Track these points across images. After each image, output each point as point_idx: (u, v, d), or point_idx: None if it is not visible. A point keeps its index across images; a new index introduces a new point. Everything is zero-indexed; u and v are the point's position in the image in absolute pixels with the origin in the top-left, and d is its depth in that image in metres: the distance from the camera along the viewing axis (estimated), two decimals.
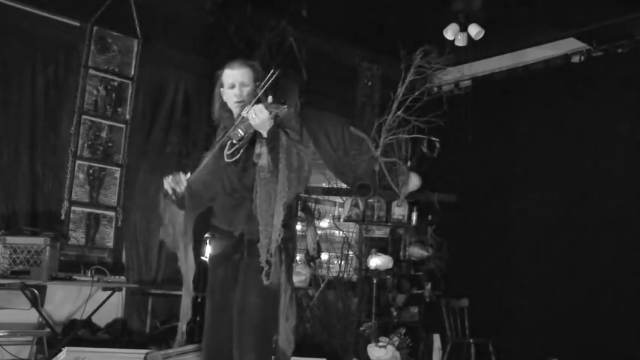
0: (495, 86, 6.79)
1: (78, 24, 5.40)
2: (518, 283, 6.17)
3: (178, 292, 5.23)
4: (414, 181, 6.32)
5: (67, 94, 5.34)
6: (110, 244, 5.43)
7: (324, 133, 6.85)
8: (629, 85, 5.73)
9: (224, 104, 2.86)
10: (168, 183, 2.72)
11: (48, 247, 4.67)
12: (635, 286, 5.35)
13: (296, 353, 2.87)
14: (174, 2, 5.87)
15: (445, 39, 6.01)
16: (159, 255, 5.56)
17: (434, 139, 5.99)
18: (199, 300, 4.56)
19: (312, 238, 5.98)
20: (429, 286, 6.32)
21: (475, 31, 5.98)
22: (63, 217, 5.20)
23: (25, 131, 5.11)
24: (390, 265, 6.07)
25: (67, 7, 5.30)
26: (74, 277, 4.88)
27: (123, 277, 5.21)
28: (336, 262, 6.42)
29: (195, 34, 5.93)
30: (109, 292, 4.85)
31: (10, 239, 4.65)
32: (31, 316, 4.73)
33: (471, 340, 6.06)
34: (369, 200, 6.29)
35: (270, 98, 2.65)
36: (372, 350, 5.52)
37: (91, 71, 5.41)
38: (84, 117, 5.36)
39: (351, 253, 6.33)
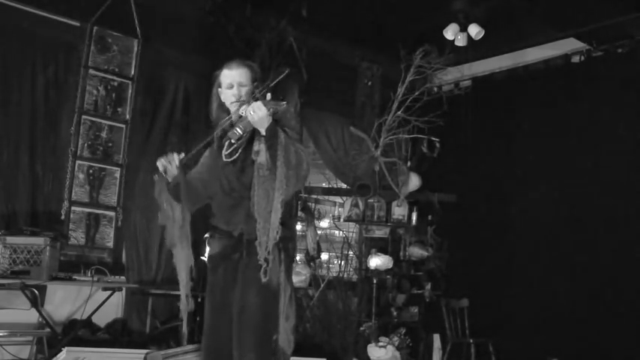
0: (495, 86, 6.78)
1: (78, 24, 5.40)
2: (518, 283, 6.17)
3: (178, 292, 5.24)
4: (414, 181, 6.32)
5: (67, 94, 5.34)
6: (110, 244, 5.43)
7: (324, 133, 6.85)
8: (629, 85, 5.72)
9: (222, 104, 2.86)
10: (161, 162, 2.73)
11: (48, 247, 4.67)
12: (636, 286, 5.35)
13: (296, 353, 2.87)
14: (174, 2, 5.87)
15: (445, 39, 6.02)
16: (159, 255, 5.56)
17: (434, 139, 5.99)
18: (199, 300, 4.57)
19: (312, 238, 5.99)
20: (429, 286, 6.31)
21: (475, 31, 5.98)
22: (63, 217, 5.20)
23: (25, 131, 5.11)
24: (390, 265, 6.07)
25: (67, 7, 5.31)
26: (74, 277, 4.89)
27: (123, 277, 5.21)
28: (336, 262, 6.42)
29: (195, 34, 5.93)
30: (109, 292, 4.85)
31: (10, 239, 4.65)
32: (31, 316, 4.73)
33: (471, 340, 6.06)
34: (369, 200, 6.29)
35: (268, 96, 2.66)
36: (372, 350, 5.52)
37: (91, 71, 5.41)
38: (84, 117, 5.36)
39: (351, 253, 6.33)
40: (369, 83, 6.95)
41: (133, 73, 5.62)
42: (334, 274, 6.21)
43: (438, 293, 6.36)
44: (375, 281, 6.02)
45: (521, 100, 6.51)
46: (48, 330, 4.70)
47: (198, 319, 4.96)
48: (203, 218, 2.95)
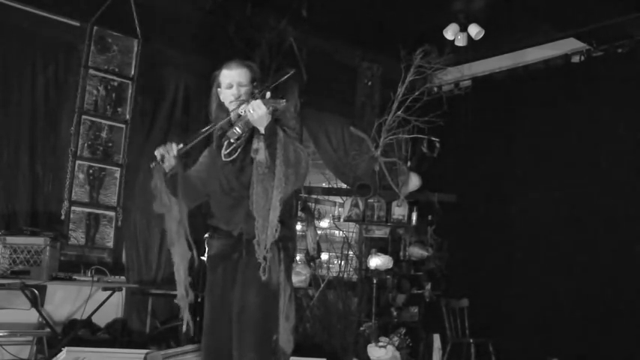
0: (495, 86, 6.79)
1: (78, 24, 5.40)
2: (518, 283, 6.17)
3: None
4: (414, 181, 6.32)
5: (67, 94, 5.34)
6: (110, 244, 5.43)
7: (324, 133, 6.85)
8: (629, 85, 5.72)
9: (221, 104, 2.86)
10: (159, 151, 2.72)
11: (48, 247, 4.67)
12: (636, 286, 5.35)
13: (296, 353, 2.88)
14: (174, 2, 5.88)
15: (445, 39, 6.02)
16: (159, 255, 5.56)
17: (434, 139, 5.99)
18: (199, 300, 4.57)
19: (312, 238, 5.99)
20: (429, 286, 6.31)
21: (475, 31, 5.98)
22: (63, 217, 5.20)
23: (25, 131, 5.11)
24: (390, 265, 6.07)
25: (67, 7, 5.31)
26: (74, 277, 4.89)
27: (123, 277, 5.21)
28: (336, 262, 6.42)
29: (195, 34, 5.93)
30: (109, 292, 4.85)
31: (10, 239, 4.65)
32: (31, 316, 4.73)
33: (471, 340, 6.06)
34: (369, 200, 6.29)
35: (268, 94, 2.66)
36: (372, 350, 5.52)
37: (91, 71, 5.41)
38: (84, 117, 5.36)
39: (351, 253, 6.33)
40: (369, 83, 6.95)
41: (133, 73, 5.62)
42: (334, 274, 6.21)
43: (438, 293, 6.36)
44: (375, 281, 6.02)
45: (521, 100, 6.51)
46: (48, 330, 4.70)
47: (198, 319, 4.96)
48: (203, 218, 2.95)
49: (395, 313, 6.08)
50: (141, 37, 5.62)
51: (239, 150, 2.73)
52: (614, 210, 5.63)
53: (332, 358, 5.13)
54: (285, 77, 2.75)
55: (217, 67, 2.90)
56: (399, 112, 6.01)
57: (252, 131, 2.69)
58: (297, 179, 2.65)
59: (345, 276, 6.25)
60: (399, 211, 6.26)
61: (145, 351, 4.23)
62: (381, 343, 5.53)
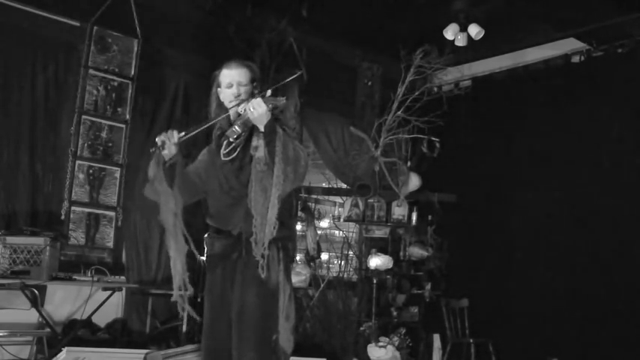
0: (495, 86, 6.78)
1: (78, 24, 5.40)
2: (518, 283, 6.17)
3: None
4: (414, 181, 6.32)
5: (67, 94, 5.35)
6: (110, 244, 5.43)
7: (324, 133, 6.86)
8: (629, 85, 5.72)
9: (221, 104, 2.86)
10: (160, 137, 2.71)
11: (48, 247, 4.67)
12: (636, 286, 5.35)
13: (296, 353, 2.87)
14: (175, 2, 5.88)
15: (445, 39, 6.01)
16: (159, 255, 5.56)
17: (434, 139, 5.99)
18: (199, 300, 4.57)
19: (312, 238, 5.99)
20: (429, 286, 6.32)
21: (475, 31, 5.98)
22: (63, 217, 5.20)
23: (25, 131, 5.11)
24: (390, 265, 6.07)
25: (67, 7, 5.31)
26: (74, 277, 4.88)
27: (123, 277, 5.21)
28: (336, 262, 6.42)
29: (195, 34, 5.94)
30: (109, 292, 4.85)
31: (10, 239, 4.65)
32: (31, 316, 4.73)
33: (471, 340, 6.06)
34: (369, 200, 6.29)
35: (268, 92, 2.66)
36: (372, 350, 5.52)
37: (91, 71, 5.41)
38: (84, 117, 5.36)
39: (351, 253, 6.33)
40: (369, 83, 6.95)
41: (133, 73, 5.62)
42: (334, 274, 6.21)
43: (438, 293, 6.36)
44: (375, 281, 6.02)
45: (521, 100, 6.51)
46: (48, 330, 4.70)
47: (198, 319, 4.96)
48: (203, 218, 2.94)
49: (395, 313, 6.08)
50: (141, 37, 5.62)
51: (238, 149, 2.73)
52: (614, 210, 5.63)
53: (332, 358, 5.13)
54: (292, 78, 2.75)
55: (217, 67, 2.90)
56: (399, 112, 6.01)
57: (251, 130, 2.69)
58: (295, 177, 2.65)
59: (345, 276, 6.25)
60: (399, 211, 6.26)
61: (145, 351, 4.23)
62: (381, 343, 5.53)
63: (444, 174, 6.47)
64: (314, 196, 6.52)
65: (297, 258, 6.03)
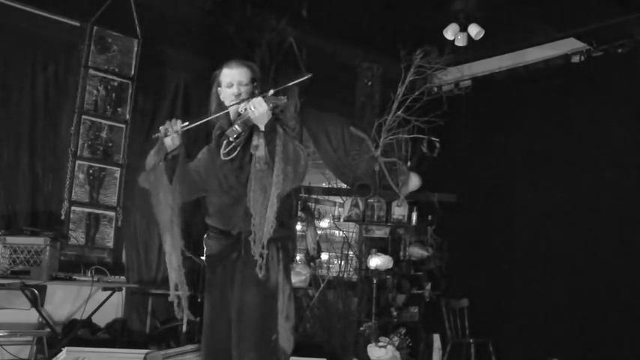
0: (495, 86, 6.78)
1: (78, 24, 5.40)
2: (519, 283, 6.17)
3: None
4: (414, 181, 6.32)
5: (67, 94, 5.35)
6: (110, 244, 5.43)
7: (324, 133, 6.85)
8: (629, 85, 5.72)
9: (221, 103, 2.86)
10: (163, 126, 2.71)
11: (48, 247, 4.67)
12: (636, 286, 5.35)
13: (296, 353, 2.87)
14: (174, 2, 5.88)
15: (445, 39, 6.01)
16: (159, 255, 5.55)
17: (434, 139, 5.99)
18: (199, 300, 4.56)
19: (312, 238, 5.99)
20: (429, 286, 6.32)
21: (475, 31, 5.98)
22: (63, 217, 5.20)
23: (25, 131, 5.11)
24: (390, 265, 6.07)
25: (67, 7, 5.31)
26: (74, 277, 4.88)
27: (123, 277, 5.21)
28: (336, 262, 6.42)
29: (195, 34, 5.94)
30: (109, 292, 4.85)
31: (10, 239, 4.65)
32: (31, 316, 4.73)
33: (471, 340, 6.06)
34: (369, 200, 6.29)
35: (271, 92, 2.66)
36: (372, 350, 5.52)
37: (91, 71, 5.41)
38: (84, 117, 5.36)
39: (351, 253, 6.33)
40: (369, 83, 6.95)
41: (133, 73, 5.62)
42: (334, 274, 6.21)
43: (438, 293, 6.36)
44: (375, 281, 6.02)
45: (521, 100, 6.51)
46: (48, 330, 4.70)
47: (197, 319, 4.96)
48: (203, 218, 2.94)
49: (395, 313, 6.08)
50: (141, 37, 5.62)
51: (238, 149, 2.73)
52: (614, 210, 5.63)
53: (332, 358, 5.13)
54: (301, 80, 2.75)
55: (217, 66, 2.90)
56: (399, 112, 6.01)
57: (251, 130, 2.69)
58: (295, 177, 2.65)
59: (345, 276, 6.25)
60: (399, 211, 6.26)
61: (145, 351, 4.22)
62: (381, 343, 5.53)
63: (444, 174, 6.47)
64: (314, 196, 6.52)
65: (297, 258, 6.03)
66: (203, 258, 2.96)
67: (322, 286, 5.92)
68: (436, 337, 6.48)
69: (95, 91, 5.44)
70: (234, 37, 5.77)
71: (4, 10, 5.04)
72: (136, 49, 5.63)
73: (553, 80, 6.29)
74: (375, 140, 6.16)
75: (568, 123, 6.11)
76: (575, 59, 6.20)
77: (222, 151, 2.76)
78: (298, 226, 6.17)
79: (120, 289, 4.98)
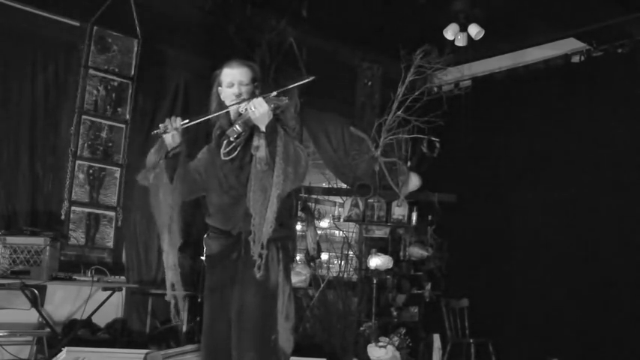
0: (495, 86, 6.78)
1: (78, 24, 5.40)
2: (519, 282, 6.17)
3: (178, 292, 5.23)
4: (414, 181, 6.32)
5: (67, 94, 5.35)
6: (110, 244, 5.43)
7: (324, 133, 6.85)
8: (629, 85, 5.72)
9: (221, 103, 2.85)
10: (163, 124, 2.71)
11: (48, 247, 4.67)
12: (636, 286, 5.35)
13: (296, 353, 2.87)
14: (174, 2, 5.88)
15: (445, 39, 6.01)
16: (159, 255, 5.55)
17: (434, 139, 5.98)
18: (199, 300, 4.56)
19: (312, 238, 5.99)
20: (429, 286, 6.32)
21: (475, 31, 5.98)
22: (63, 217, 5.20)
23: (25, 131, 5.11)
24: (390, 265, 6.07)
25: (67, 7, 5.31)
26: (74, 277, 4.88)
27: (123, 277, 5.21)
28: (336, 262, 6.42)
29: (195, 34, 5.93)
30: (109, 292, 4.85)
31: (10, 239, 4.65)
32: (31, 316, 4.73)
33: (471, 340, 6.06)
34: (369, 200, 6.29)
35: (273, 92, 2.66)
36: (372, 350, 5.52)
37: (91, 71, 5.41)
38: (84, 117, 5.36)
39: (351, 253, 6.33)
40: (369, 83, 6.95)
41: (133, 73, 5.62)
42: (334, 274, 6.20)
43: (438, 293, 6.36)
44: (375, 281, 6.01)
45: (521, 100, 6.51)
46: (48, 330, 4.70)
47: (198, 319, 4.96)
48: (203, 218, 2.94)
49: (395, 313, 6.08)
50: (141, 37, 5.62)
51: (238, 149, 2.73)
52: (614, 210, 5.63)
53: (332, 358, 5.13)
54: (303, 82, 2.76)
55: (217, 66, 2.90)
56: (399, 112, 6.01)
57: (251, 130, 2.69)
58: (295, 177, 2.64)
59: (345, 276, 6.25)
60: (399, 211, 6.26)
61: (145, 351, 4.23)
62: (381, 343, 5.53)
63: (444, 174, 6.47)
64: (314, 196, 6.52)
65: (297, 258, 6.03)
66: (203, 258, 2.95)
67: (322, 286, 5.91)
68: (436, 337, 6.48)
69: (95, 91, 5.43)
70: (235, 37, 5.77)
71: (4, 10, 5.04)
72: (136, 49, 5.63)
73: (553, 80, 6.29)
74: (375, 140, 6.16)
75: (568, 123, 6.11)
76: (575, 59, 6.20)
77: (222, 150, 2.76)
78: (298, 226, 6.17)
79: (120, 289, 4.98)
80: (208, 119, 2.84)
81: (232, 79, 2.80)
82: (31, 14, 5.18)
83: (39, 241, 4.69)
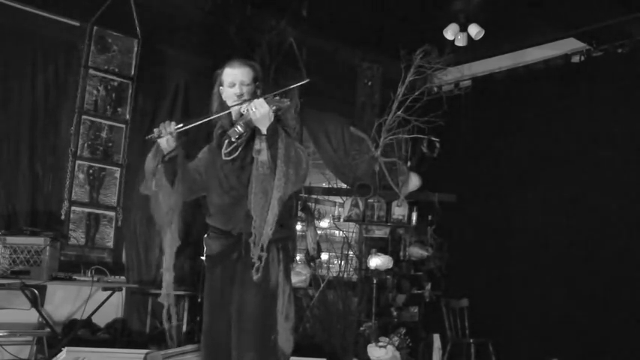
0: (495, 86, 6.79)
1: (78, 24, 5.40)
2: (518, 283, 6.17)
3: (179, 292, 5.25)
4: (414, 181, 6.32)
5: (67, 94, 5.35)
6: (110, 244, 5.43)
7: (324, 133, 6.85)
8: (629, 85, 5.72)
9: (223, 103, 2.85)
10: (157, 128, 2.70)
11: (48, 247, 4.67)
12: (636, 286, 5.35)
13: (296, 353, 2.87)
14: (174, 2, 5.88)
15: (445, 39, 6.01)
16: (159, 255, 5.55)
17: (434, 139, 5.98)
18: (199, 300, 4.56)
19: (312, 238, 5.98)
20: (429, 286, 6.32)
21: (475, 31, 5.98)
22: (63, 217, 5.20)
23: (25, 131, 5.12)
24: (390, 265, 6.06)
25: (67, 7, 5.31)
26: (74, 277, 4.88)
27: (123, 277, 5.21)
28: (336, 262, 6.41)
29: (195, 34, 5.94)
30: (109, 292, 4.85)
31: (10, 239, 4.65)
32: (31, 316, 4.73)
33: (471, 340, 6.06)
34: (369, 200, 6.29)
35: (276, 98, 2.65)
36: (372, 350, 5.52)
37: (91, 71, 5.41)
38: (84, 117, 5.36)
39: (351, 253, 6.33)
40: (369, 83, 6.95)
41: (133, 73, 5.62)
42: (334, 274, 6.20)
43: (438, 293, 6.36)
44: (375, 281, 6.01)
45: (521, 100, 6.51)
46: (48, 330, 4.70)
47: (198, 319, 4.96)
48: (203, 218, 2.94)
49: (395, 313, 6.08)
50: (141, 37, 5.62)
51: (240, 149, 2.72)
52: (614, 210, 5.63)
53: (332, 358, 5.13)
54: (298, 85, 2.75)
55: (217, 67, 2.90)
56: (399, 112, 6.00)
57: (253, 130, 2.68)
58: (297, 180, 2.64)
59: (345, 276, 6.25)
60: (399, 211, 6.26)
61: (145, 351, 4.22)
62: (381, 343, 5.53)
63: (444, 174, 6.47)
64: (314, 196, 6.52)
65: (297, 258, 6.03)
66: (203, 258, 2.95)
67: (322, 286, 5.91)
68: (436, 337, 6.48)
69: (95, 91, 5.44)
70: (235, 37, 5.77)
71: (4, 10, 5.04)
72: (136, 49, 5.63)
73: (553, 80, 6.29)
74: (375, 140, 6.16)
75: (568, 123, 6.11)
76: (575, 59, 6.20)
77: (223, 150, 2.75)
78: (298, 226, 6.17)
79: (120, 289, 4.98)
80: (204, 122, 2.83)
81: (234, 78, 2.79)
82: (31, 14, 5.18)
83: (39, 241, 4.69)
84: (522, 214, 6.32)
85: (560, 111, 6.18)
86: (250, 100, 2.67)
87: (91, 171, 5.38)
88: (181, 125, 2.72)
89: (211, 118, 2.80)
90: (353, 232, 6.68)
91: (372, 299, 5.95)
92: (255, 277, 2.59)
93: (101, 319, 5.03)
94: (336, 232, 6.64)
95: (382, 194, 6.29)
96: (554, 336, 5.78)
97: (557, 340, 5.72)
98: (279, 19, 5.95)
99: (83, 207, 5.32)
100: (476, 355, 6.01)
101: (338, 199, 6.69)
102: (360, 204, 6.28)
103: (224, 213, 2.77)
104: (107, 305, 4.89)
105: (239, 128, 2.64)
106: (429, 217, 6.48)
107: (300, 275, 5.65)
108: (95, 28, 5.42)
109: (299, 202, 6.18)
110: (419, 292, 6.34)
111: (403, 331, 5.73)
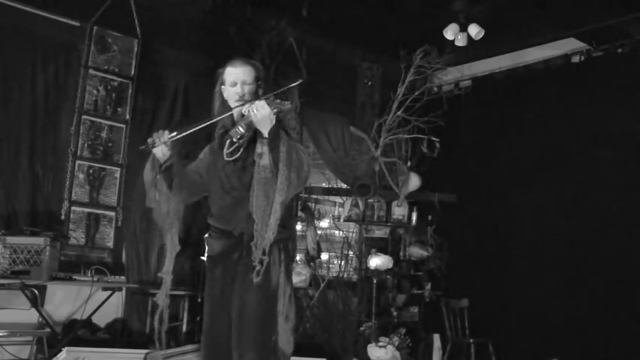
0: (495, 86, 6.79)
1: (78, 24, 5.41)
2: (518, 283, 6.17)
3: (179, 292, 5.25)
4: (414, 181, 6.32)
5: (67, 94, 5.35)
6: (110, 244, 5.43)
7: (324, 133, 6.85)
8: (629, 85, 5.72)
9: (224, 102, 2.84)
10: (150, 138, 2.70)
11: (48, 247, 4.67)
12: (636, 286, 5.35)
13: (296, 353, 2.87)
14: (174, 2, 5.88)
15: (445, 39, 6.01)
16: (159, 255, 5.55)
17: (434, 139, 5.98)
18: (199, 300, 4.56)
19: (312, 238, 5.98)
20: (429, 286, 6.31)
21: (475, 31, 5.98)
22: (63, 217, 5.21)
23: (25, 131, 5.12)
24: (390, 265, 6.06)
25: (67, 7, 5.31)
26: (74, 277, 4.89)
27: (123, 277, 5.21)
28: (336, 262, 6.42)
29: (196, 34, 5.94)
30: (109, 292, 4.85)
31: (10, 239, 4.65)
32: (31, 316, 4.73)
33: (471, 340, 6.06)
34: (369, 200, 6.29)
35: (277, 101, 2.64)
36: (372, 350, 5.52)
37: (91, 71, 5.41)
38: (84, 117, 5.37)
39: (351, 253, 6.33)
40: (369, 83, 6.95)
41: (133, 73, 5.62)
42: (334, 274, 6.20)
43: (438, 293, 6.36)
44: (375, 281, 6.01)
45: (521, 100, 6.51)
46: (48, 330, 4.70)
47: (198, 319, 4.96)
48: (204, 218, 2.94)
49: (395, 313, 6.07)
50: (141, 37, 5.62)
51: (241, 150, 2.72)
52: (614, 210, 5.63)
53: (332, 358, 5.12)
54: (294, 85, 2.75)
55: (217, 66, 2.89)
56: (399, 112, 6.00)
57: (254, 131, 2.67)
58: (298, 183, 2.64)
59: (345, 276, 6.25)
60: (399, 211, 6.26)
61: (145, 351, 4.22)
62: (381, 343, 5.53)
63: (444, 174, 6.47)
64: (314, 196, 6.52)
65: (297, 258, 6.03)
66: (204, 258, 2.95)
67: (322, 286, 5.91)
68: (436, 337, 6.48)
69: (95, 91, 5.44)
70: (235, 37, 5.77)
71: (4, 10, 5.04)
72: (135, 49, 5.63)
73: (553, 80, 6.29)
74: (375, 140, 6.16)
75: (568, 123, 6.11)
76: (575, 59, 6.20)
77: (225, 151, 2.75)
78: (298, 226, 6.17)
79: (120, 289, 4.98)
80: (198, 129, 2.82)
81: (235, 78, 2.79)
82: (31, 14, 5.18)
83: (39, 241, 4.69)
84: (522, 214, 6.32)
85: (560, 111, 6.18)
86: (252, 101, 2.66)
87: (91, 171, 5.38)
88: (175, 134, 2.71)
89: (205, 124, 2.76)
90: (353, 232, 6.68)
91: (372, 299, 5.95)
92: (255, 280, 2.59)
93: (101, 319, 5.03)
94: (336, 232, 6.64)
95: (382, 194, 6.29)
96: (554, 336, 5.78)
97: (557, 340, 5.72)
98: (279, 19, 5.95)
99: (83, 207, 5.33)
100: (476, 355, 6.01)
101: (338, 199, 6.69)
102: (360, 204, 6.28)
103: (225, 213, 2.77)
104: (107, 305, 4.89)
105: (240, 129, 2.63)
106: (429, 217, 6.47)
107: (300, 275, 5.64)
108: (95, 28, 5.42)
109: (299, 202, 6.18)
110: (419, 292, 6.34)
111: (403, 331, 5.73)
